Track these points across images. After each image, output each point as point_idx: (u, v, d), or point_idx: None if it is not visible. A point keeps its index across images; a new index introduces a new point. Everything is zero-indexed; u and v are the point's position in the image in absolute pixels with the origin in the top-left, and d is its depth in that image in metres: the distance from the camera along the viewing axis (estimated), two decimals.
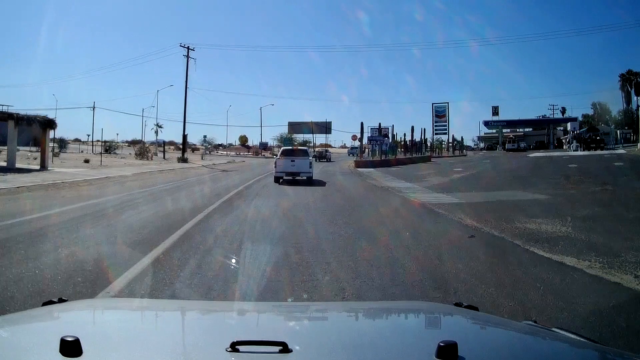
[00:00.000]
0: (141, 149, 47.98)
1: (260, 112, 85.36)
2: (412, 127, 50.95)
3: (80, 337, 1.10)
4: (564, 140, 75.66)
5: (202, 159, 50.24)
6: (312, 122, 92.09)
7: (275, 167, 19.46)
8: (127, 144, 78.69)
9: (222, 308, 2.19)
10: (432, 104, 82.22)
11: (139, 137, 79.66)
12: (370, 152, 42.55)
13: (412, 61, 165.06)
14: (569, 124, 68.58)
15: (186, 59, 43.41)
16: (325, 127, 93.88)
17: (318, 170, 25.20)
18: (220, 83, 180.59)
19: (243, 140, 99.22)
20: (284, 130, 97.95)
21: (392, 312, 2.00)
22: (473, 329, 1.68)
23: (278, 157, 20.30)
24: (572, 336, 1.50)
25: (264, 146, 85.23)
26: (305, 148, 27.54)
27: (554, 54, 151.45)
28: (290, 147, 26.07)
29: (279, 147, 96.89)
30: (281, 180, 18.82)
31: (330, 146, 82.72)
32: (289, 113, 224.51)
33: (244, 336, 1.18)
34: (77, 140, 76.78)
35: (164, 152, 52.96)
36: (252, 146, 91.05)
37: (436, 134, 79.14)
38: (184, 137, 44.40)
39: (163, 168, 31.63)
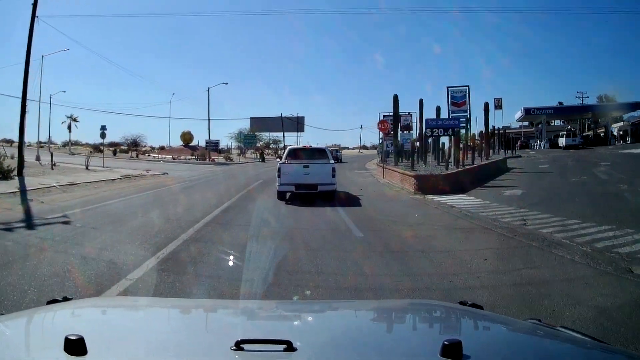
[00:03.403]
0: None
1: (208, 95, 59.75)
2: (486, 104, 28.80)
3: (85, 336, 1.08)
4: (616, 134, 59.03)
5: (87, 168, 26.42)
6: (281, 116, 70.10)
7: (279, 176, 13.23)
8: (35, 145, 52.40)
9: (226, 307, 2.08)
10: (447, 87, 59.16)
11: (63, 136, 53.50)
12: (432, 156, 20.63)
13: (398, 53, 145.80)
14: None
15: None
16: (297, 123, 72.08)
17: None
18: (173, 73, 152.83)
19: (187, 138, 72.58)
20: (246, 125, 74.38)
21: (396, 310, 1.97)
22: (478, 328, 1.63)
23: (283, 160, 14.04)
24: (577, 335, 1.47)
25: (214, 146, 59.24)
26: (324, 147, 16.56)
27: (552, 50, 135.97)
28: (300, 146, 16.56)
29: (239, 147, 74.24)
30: (288, 195, 13.13)
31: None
32: (252, 110, 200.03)
33: (249, 335, 1.16)
34: None
35: (20, 155, 28.48)
36: (199, 147, 65.25)
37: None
38: (22, 122, 20.24)
39: None
